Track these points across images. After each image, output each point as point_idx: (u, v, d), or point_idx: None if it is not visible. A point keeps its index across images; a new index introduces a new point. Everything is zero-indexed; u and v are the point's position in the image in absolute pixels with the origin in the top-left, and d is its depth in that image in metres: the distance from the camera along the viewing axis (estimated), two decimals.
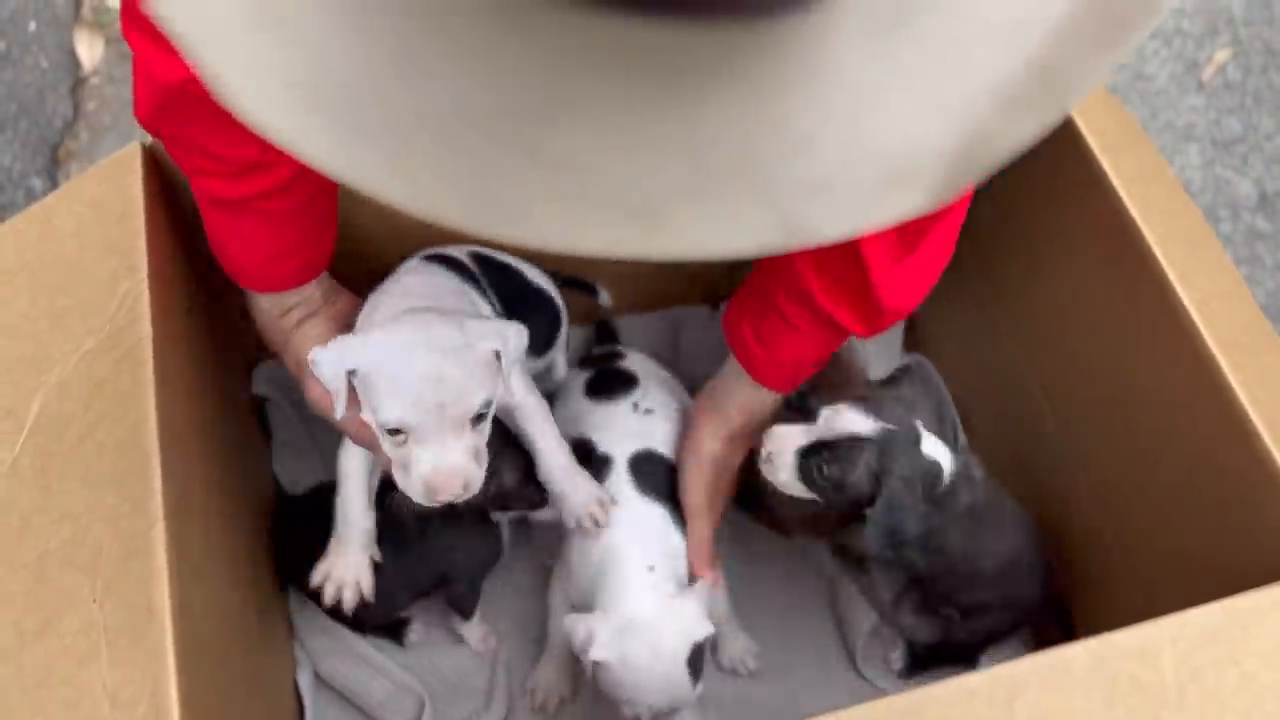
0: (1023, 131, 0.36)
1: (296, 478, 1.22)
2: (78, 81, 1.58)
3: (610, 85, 0.33)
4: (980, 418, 1.26)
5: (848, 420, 0.93)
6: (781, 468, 0.94)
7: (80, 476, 0.80)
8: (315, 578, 0.94)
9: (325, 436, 1.24)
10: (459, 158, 0.33)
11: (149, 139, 0.94)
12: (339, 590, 0.94)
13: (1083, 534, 1.10)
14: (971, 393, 1.28)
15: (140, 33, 0.73)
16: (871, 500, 0.91)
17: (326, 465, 1.20)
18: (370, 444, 0.89)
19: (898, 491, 0.91)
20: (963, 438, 1.25)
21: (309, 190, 0.86)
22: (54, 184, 1.51)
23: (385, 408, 0.80)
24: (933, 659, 1.11)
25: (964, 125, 0.36)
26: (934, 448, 0.95)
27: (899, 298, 0.90)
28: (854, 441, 0.92)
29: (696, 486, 1.01)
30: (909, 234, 0.86)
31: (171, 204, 0.98)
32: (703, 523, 1.01)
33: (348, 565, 0.94)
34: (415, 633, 1.13)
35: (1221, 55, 1.83)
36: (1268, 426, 0.86)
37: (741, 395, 1.01)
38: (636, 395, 1.09)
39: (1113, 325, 1.01)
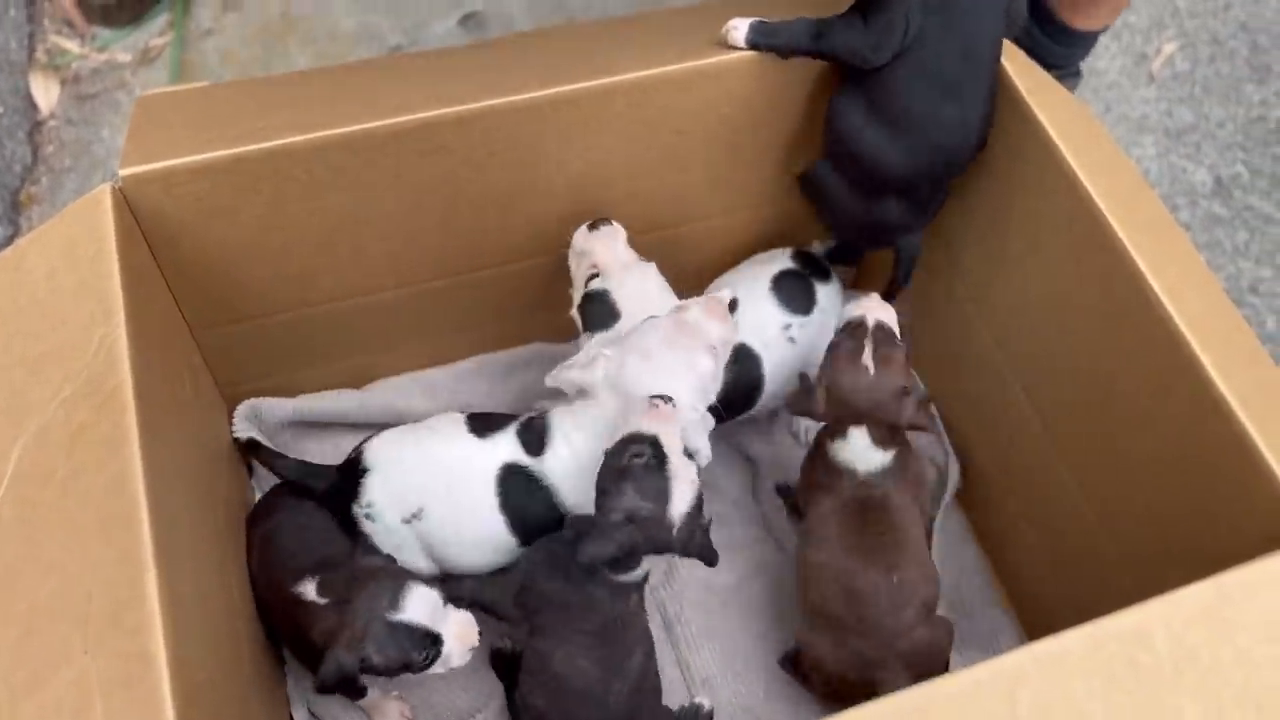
0: None
1: None
2: (35, 125, 1.56)
3: None
4: (961, 412, 1.28)
5: None
6: None
7: (65, 526, 0.78)
8: None
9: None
10: None
11: (115, 179, 0.93)
12: None
13: (1067, 519, 1.11)
14: (951, 389, 1.29)
15: None
16: None
17: None
18: None
19: None
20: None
21: None
22: (16, 229, 1.49)
23: None
24: None
25: None
26: None
27: None
28: None
29: None
30: None
31: (143, 244, 0.97)
32: None
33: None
34: None
35: (1169, 47, 1.86)
36: (1242, 405, 0.88)
37: None
38: None
39: (1085, 315, 1.02)
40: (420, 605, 0.94)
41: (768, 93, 1.11)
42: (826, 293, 1.24)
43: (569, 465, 1.04)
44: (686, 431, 0.98)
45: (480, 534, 1.06)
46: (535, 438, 1.06)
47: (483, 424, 1.08)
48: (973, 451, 1.26)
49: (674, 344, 1.01)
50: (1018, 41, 1.42)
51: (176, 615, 0.75)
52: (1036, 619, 1.20)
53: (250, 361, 1.21)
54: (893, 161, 1.08)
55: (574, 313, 1.14)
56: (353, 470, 1.08)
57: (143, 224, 0.96)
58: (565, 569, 0.99)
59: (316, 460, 1.25)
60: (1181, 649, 0.78)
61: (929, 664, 1.04)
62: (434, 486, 1.05)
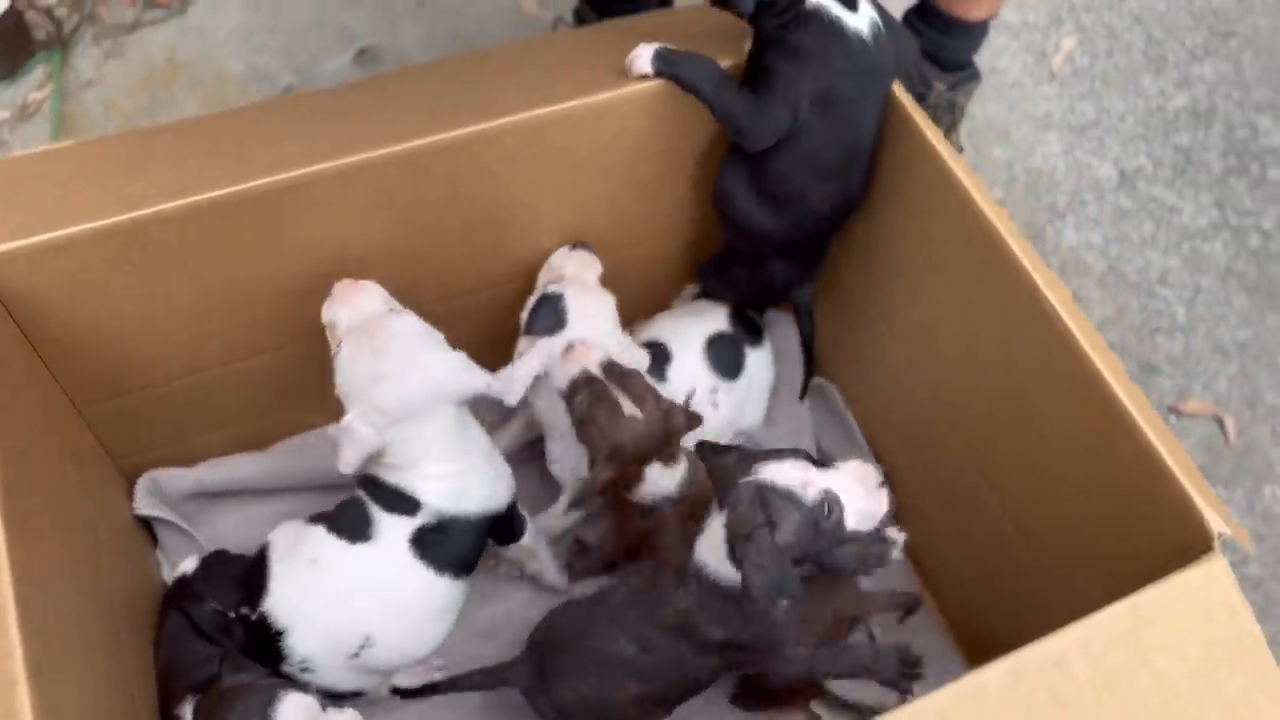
0: None
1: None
2: None
3: None
4: (885, 434, 1.27)
5: None
6: None
7: None
8: None
9: (215, 542, 1.20)
10: None
11: None
12: None
13: (990, 535, 1.11)
14: (874, 410, 1.28)
15: None
16: None
17: None
18: None
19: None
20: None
21: None
22: None
23: None
24: None
25: None
26: None
27: None
28: None
29: None
30: None
31: (11, 324, 0.92)
32: None
33: None
34: None
35: (1068, 43, 1.88)
36: (1146, 420, 0.87)
37: None
38: None
39: (990, 334, 1.02)
40: (294, 715, 0.87)
41: (664, 125, 1.09)
42: (758, 357, 1.24)
43: (444, 487, 0.99)
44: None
45: (434, 606, 1.02)
46: (399, 501, 0.99)
47: (349, 524, 1.00)
48: (901, 473, 1.25)
49: None
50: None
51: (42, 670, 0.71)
52: (974, 639, 1.19)
53: (146, 432, 1.16)
54: (772, 230, 1.10)
55: (523, 315, 1.12)
56: (265, 633, 0.99)
57: (9, 304, 0.91)
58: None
59: (226, 529, 1.22)
60: (1100, 675, 0.77)
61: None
62: (364, 607, 0.99)
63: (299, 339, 1.10)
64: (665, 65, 1.02)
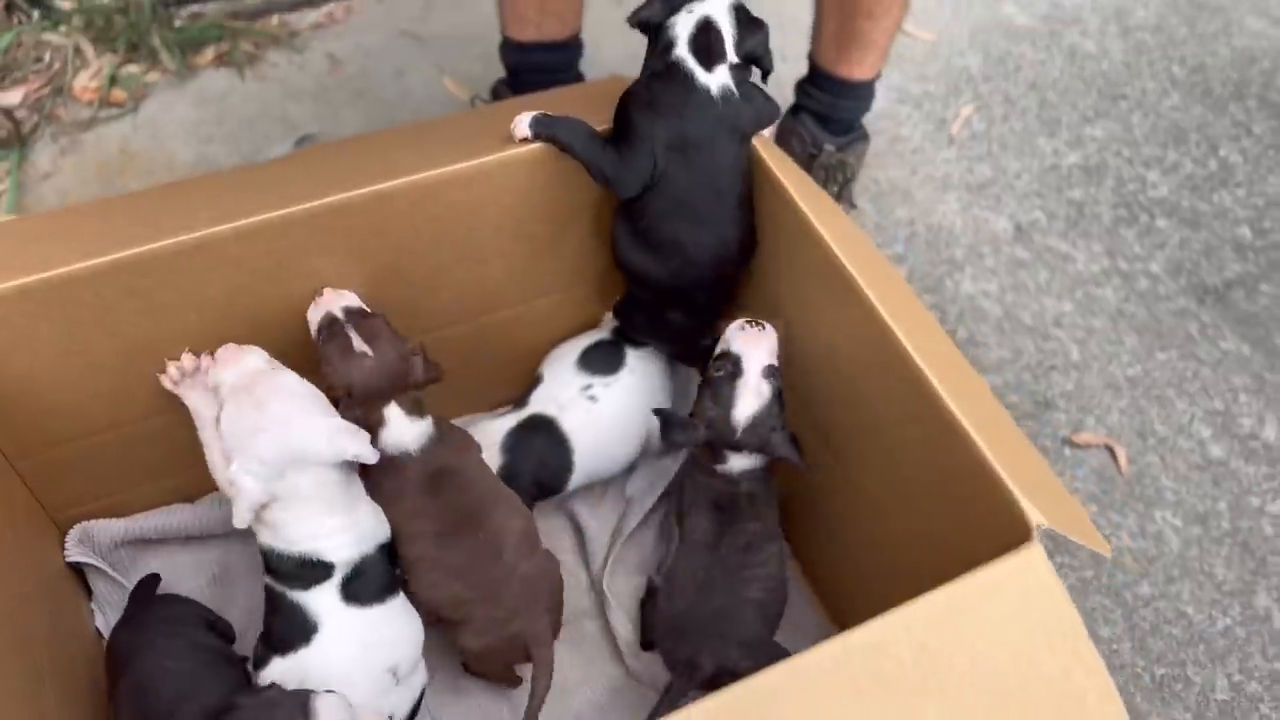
0: None
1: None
2: None
3: None
4: None
5: None
6: None
7: None
8: None
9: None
10: None
11: None
12: None
13: (846, 531, 1.21)
14: None
15: None
16: None
17: None
18: None
19: None
20: None
21: None
22: None
23: None
24: None
25: None
26: None
27: None
28: None
29: None
30: None
31: None
32: None
33: None
34: None
35: (966, 110, 2.01)
36: (975, 427, 0.96)
37: None
38: None
39: (847, 361, 1.11)
40: (333, 713, 0.93)
41: (549, 184, 1.19)
42: (640, 355, 1.33)
43: (347, 538, 1.05)
44: None
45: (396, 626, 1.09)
46: (313, 573, 1.05)
47: (289, 632, 1.05)
48: (789, 480, 1.32)
49: None
50: (799, 109, 1.55)
51: None
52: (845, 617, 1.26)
53: (78, 484, 1.23)
54: (658, 276, 1.20)
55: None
56: None
57: None
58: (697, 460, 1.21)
59: (152, 571, 1.28)
60: (923, 657, 0.84)
61: (549, 590, 1.15)
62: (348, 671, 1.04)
63: None
64: (542, 128, 1.13)
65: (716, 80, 1.13)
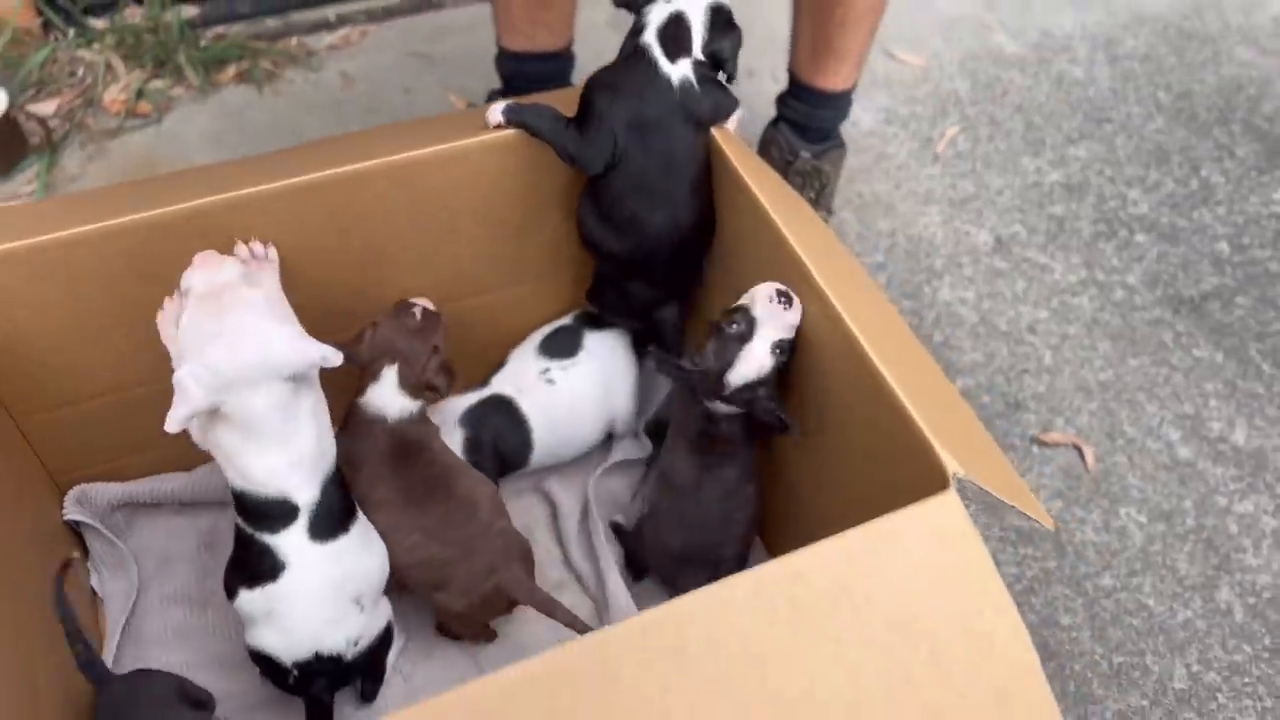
0: None
1: (113, 589, 1.30)
2: None
3: None
4: None
5: None
6: None
7: None
8: None
9: (141, 551, 1.34)
10: None
11: None
12: None
13: (790, 486, 1.26)
14: None
15: None
16: None
17: (141, 576, 1.30)
18: None
19: None
20: None
21: None
22: None
23: None
24: None
25: None
26: None
27: None
28: None
29: None
30: None
31: None
32: None
33: None
34: None
35: (952, 130, 2.08)
36: (900, 386, 1.01)
37: None
38: None
39: (802, 350, 1.17)
40: None
41: (520, 169, 1.27)
42: (599, 338, 1.39)
43: (314, 464, 1.10)
44: None
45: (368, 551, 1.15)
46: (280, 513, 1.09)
47: (258, 568, 1.10)
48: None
49: None
50: (779, 119, 1.63)
51: None
52: None
53: (79, 449, 1.31)
54: (619, 251, 1.28)
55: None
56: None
57: None
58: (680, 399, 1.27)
59: (149, 539, 1.36)
60: (837, 586, 0.88)
61: (521, 549, 1.22)
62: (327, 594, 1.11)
63: None
64: (513, 114, 1.21)
65: (678, 71, 1.20)
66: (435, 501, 1.18)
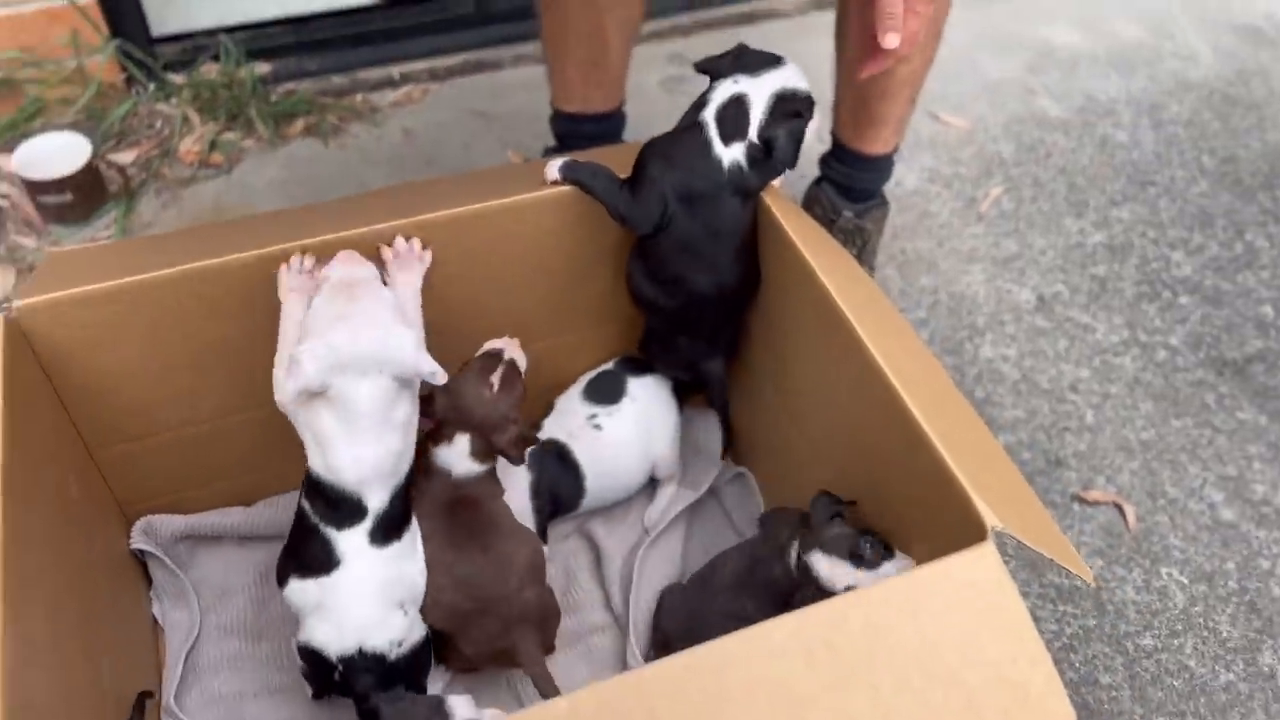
0: None
1: (175, 619, 1.35)
2: None
3: None
4: (772, 479, 1.44)
5: None
6: None
7: None
8: None
9: (200, 582, 1.39)
10: None
11: (12, 312, 1.13)
12: None
13: None
14: (765, 466, 1.45)
15: None
16: None
17: (202, 608, 1.35)
18: None
19: None
20: None
21: None
22: None
23: None
24: None
25: None
26: None
27: None
28: None
29: None
30: None
31: (35, 365, 1.17)
32: None
33: None
34: None
35: (996, 190, 2.12)
36: (941, 440, 1.04)
37: None
38: None
39: (844, 404, 1.20)
40: (465, 711, 1.07)
41: (575, 224, 1.33)
42: (641, 384, 1.44)
43: (392, 470, 1.14)
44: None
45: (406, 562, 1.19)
46: (348, 510, 1.14)
47: (298, 563, 1.16)
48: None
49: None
50: (823, 179, 1.68)
51: (16, 645, 0.89)
52: None
53: (148, 481, 1.37)
54: (665, 307, 1.33)
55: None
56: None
57: (35, 348, 1.16)
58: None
59: (210, 572, 1.41)
60: (874, 631, 0.91)
61: (542, 618, 1.24)
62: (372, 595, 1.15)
63: None
64: (569, 172, 1.27)
65: (730, 155, 1.24)
66: (471, 553, 1.22)
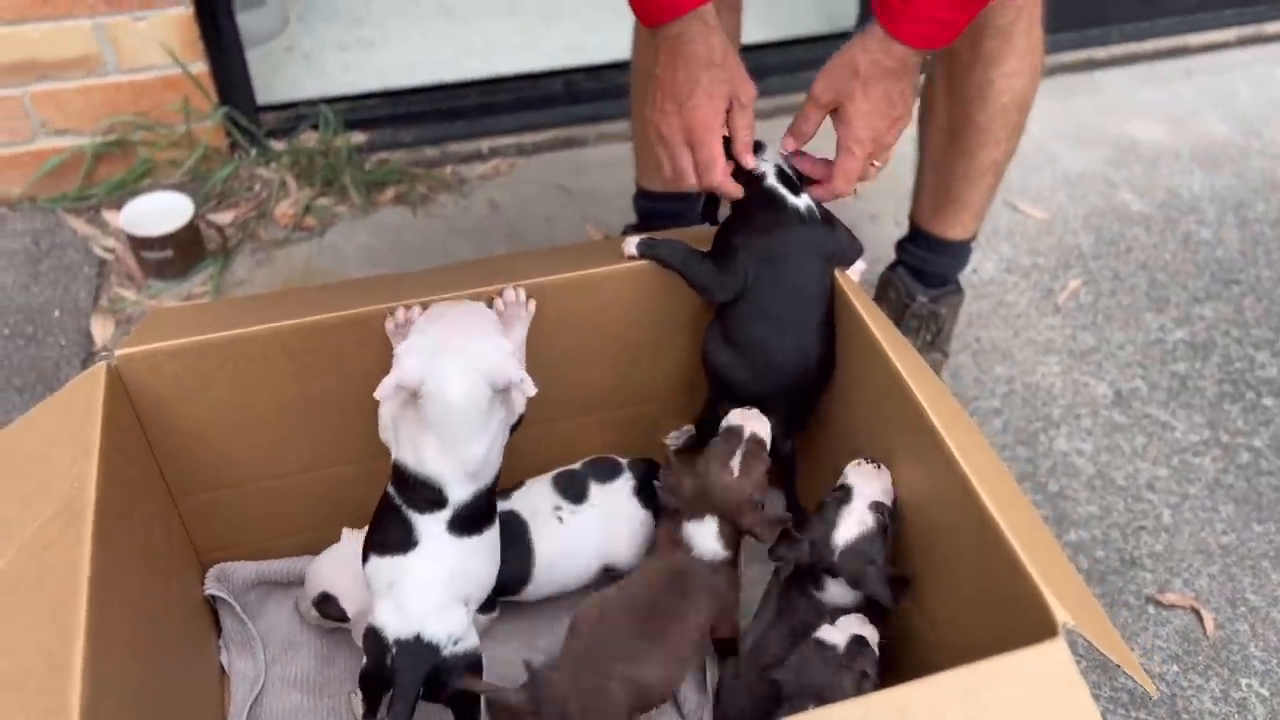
0: None
1: (240, 668, 1.37)
2: (89, 355, 1.88)
3: None
4: None
5: None
6: None
7: (21, 619, 0.96)
8: None
9: (268, 633, 1.42)
10: None
11: (113, 361, 1.19)
12: None
13: (901, 618, 1.25)
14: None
15: None
16: None
17: (267, 660, 1.37)
18: None
19: None
20: None
21: None
22: None
23: None
24: None
25: None
26: None
27: None
28: None
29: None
30: None
31: (131, 412, 1.22)
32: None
33: None
34: None
35: (1074, 283, 2.10)
36: (1013, 532, 1.03)
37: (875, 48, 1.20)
38: None
39: (916, 489, 1.20)
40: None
41: (651, 298, 1.36)
42: (602, 491, 1.40)
43: (476, 475, 1.17)
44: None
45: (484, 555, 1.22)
46: (429, 496, 1.17)
47: (378, 543, 1.19)
48: None
49: None
50: (898, 264, 1.69)
51: (96, 680, 0.92)
52: None
53: (225, 531, 1.42)
54: (742, 378, 1.33)
55: None
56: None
57: (132, 395, 1.21)
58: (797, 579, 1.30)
59: (278, 621, 1.44)
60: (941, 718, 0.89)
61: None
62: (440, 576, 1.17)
63: (364, 457, 1.34)
64: (647, 248, 1.30)
65: (803, 201, 1.29)
66: (617, 641, 1.18)
